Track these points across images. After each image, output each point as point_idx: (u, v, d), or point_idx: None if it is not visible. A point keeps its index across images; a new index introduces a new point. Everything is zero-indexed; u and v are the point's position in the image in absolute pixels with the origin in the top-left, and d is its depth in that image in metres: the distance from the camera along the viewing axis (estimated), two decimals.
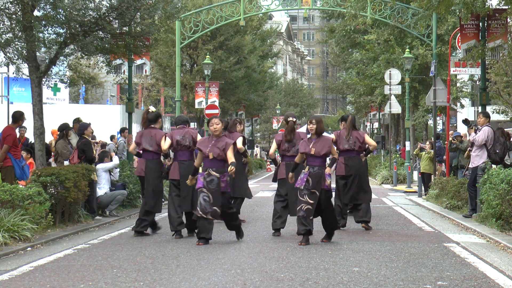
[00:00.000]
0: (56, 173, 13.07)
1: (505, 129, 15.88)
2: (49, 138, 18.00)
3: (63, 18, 14.83)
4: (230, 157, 10.97)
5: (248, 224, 14.10)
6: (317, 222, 12.12)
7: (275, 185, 13.05)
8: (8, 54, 14.86)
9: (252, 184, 28.21)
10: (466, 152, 18.33)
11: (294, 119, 12.28)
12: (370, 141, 13.40)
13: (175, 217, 12.18)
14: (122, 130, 22.10)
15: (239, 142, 13.66)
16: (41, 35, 15.03)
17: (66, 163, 15.20)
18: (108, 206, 15.50)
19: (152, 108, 12.84)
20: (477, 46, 17.14)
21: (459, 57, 21.25)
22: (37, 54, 15.42)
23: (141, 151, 12.45)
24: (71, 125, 16.09)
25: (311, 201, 11.07)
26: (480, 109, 18.40)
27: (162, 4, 16.40)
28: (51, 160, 16.34)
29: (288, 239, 11.57)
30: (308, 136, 11.50)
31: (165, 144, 12.22)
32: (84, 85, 43.76)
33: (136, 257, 10.01)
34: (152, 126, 12.49)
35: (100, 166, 15.47)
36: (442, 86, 21.91)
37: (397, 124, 44.09)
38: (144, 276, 8.52)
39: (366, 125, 60.52)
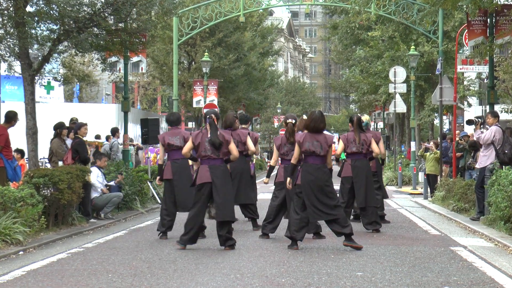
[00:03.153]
0: (49, 174, 13.07)
1: None
2: (42, 138, 17.91)
3: (57, 14, 14.84)
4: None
5: (248, 227, 14.10)
6: (326, 225, 12.14)
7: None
8: None
9: None
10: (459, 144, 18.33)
11: (294, 121, 12.24)
12: (374, 148, 13.32)
13: (167, 218, 12.30)
14: (114, 131, 22.07)
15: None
16: (33, 31, 15.03)
17: (60, 163, 15.20)
18: (103, 208, 15.49)
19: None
20: (485, 43, 17.14)
21: (466, 54, 21.25)
22: (30, 51, 15.42)
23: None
24: (67, 125, 16.13)
25: None
26: (488, 108, 18.40)
27: (159, 0, 16.41)
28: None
29: (289, 243, 11.56)
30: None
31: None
32: (78, 83, 43.73)
33: (132, 261, 10.01)
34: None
35: (93, 173, 15.39)
36: (448, 84, 21.91)
37: (402, 124, 44.10)
38: (140, 281, 8.51)
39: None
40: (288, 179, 11.18)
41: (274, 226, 12.41)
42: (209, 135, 10.93)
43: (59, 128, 15.62)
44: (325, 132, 11.52)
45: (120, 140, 22.06)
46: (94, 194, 15.31)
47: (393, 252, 10.86)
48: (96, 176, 15.41)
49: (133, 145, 23.88)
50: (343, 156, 13.76)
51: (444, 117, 41.84)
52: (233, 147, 11.03)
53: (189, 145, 11.11)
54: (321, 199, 10.87)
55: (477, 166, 15.30)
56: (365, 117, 14.52)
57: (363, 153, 13.32)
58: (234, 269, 9.22)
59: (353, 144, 13.27)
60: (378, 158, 14.26)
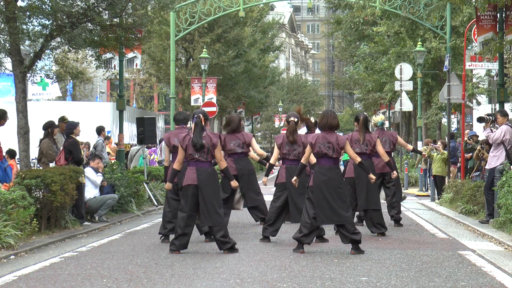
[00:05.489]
0: (42, 175, 13.07)
1: None
2: (34, 138, 17.93)
3: (49, 9, 14.85)
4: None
5: (248, 231, 14.12)
6: (329, 228, 12.16)
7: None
8: None
9: None
10: (476, 151, 18.31)
11: (296, 119, 12.27)
12: (380, 150, 13.37)
13: (169, 221, 12.28)
14: (100, 130, 22.05)
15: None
16: (25, 27, 15.03)
17: (52, 165, 15.18)
18: (98, 211, 15.50)
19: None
20: (494, 39, 17.13)
21: (475, 51, 21.26)
22: (21, 47, 15.43)
23: None
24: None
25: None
26: (497, 106, 18.40)
27: None
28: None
29: (291, 247, 11.58)
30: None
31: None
32: (71, 80, 43.74)
33: (127, 265, 10.02)
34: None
35: (88, 172, 15.39)
36: (456, 81, 21.91)
37: (408, 123, 44.11)
38: (136, 286, 8.52)
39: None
40: (295, 177, 11.28)
41: (275, 229, 12.43)
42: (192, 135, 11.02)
43: (49, 127, 15.42)
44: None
45: (114, 139, 22.05)
46: (88, 196, 15.31)
47: (399, 256, 10.87)
48: (93, 174, 15.40)
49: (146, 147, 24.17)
50: (346, 157, 13.81)
51: (452, 116, 41.85)
52: (218, 154, 11.11)
53: (180, 156, 11.15)
54: (332, 202, 10.95)
55: (487, 167, 15.31)
56: (380, 117, 14.59)
57: (367, 153, 13.35)
58: (234, 274, 9.23)
59: (356, 144, 13.31)
60: (392, 158, 14.65)
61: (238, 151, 13.33)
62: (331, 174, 11.04)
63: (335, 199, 10.98)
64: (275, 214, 12.34)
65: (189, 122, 12.82)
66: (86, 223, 14.89)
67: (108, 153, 22.41)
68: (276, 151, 12.47)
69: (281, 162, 12.61)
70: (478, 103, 36.31)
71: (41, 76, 17.04)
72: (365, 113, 14.29)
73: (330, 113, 11.27)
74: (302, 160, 11.31)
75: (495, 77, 31.69)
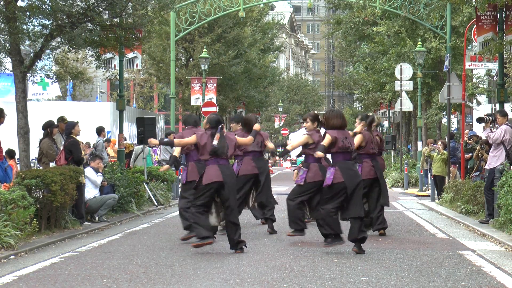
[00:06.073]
0: (42, 175, 13.07)
1: None
2: (34, 138, 17.95)
3: (49, 9, 14.85)
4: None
5: (248, 231, 14.12)
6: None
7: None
8: None
9: None
10: (476, 151, 18.33)
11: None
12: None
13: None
14: (100, 130, 22.06)
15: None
16: (25, 27, 15.03)
17: (52, 164, 15.18)
18: (98, 211, 15.50)
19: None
20: (494, 39, 17.13)
21: (475, 51, 21.25)
22: (21, 47, 15.42)
23: None
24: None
25: None
26: (497, 106, 18.39)
27: None
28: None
29: (291, 247, 11.59)
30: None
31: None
32: (71, 80, 43.73)
33: (127, 265, 10.02)
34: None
35: (88, 172, 15.40)
36: (456, 81, 21.91)
37: (408, 123, 44.11)
38: (136, 286, 8.53)
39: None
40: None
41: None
42: (215, 143, 11.04)
43: (49, 127, 15.38)
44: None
45: (116, 140, 22.04)
46: (88, 196, 15.31)
47: (399, 256, 10.88)
48: (93, 174, 15.40)
49: (150, 147, 24.18)
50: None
51: (452, 116, 41.84)
52: (242, 140, 11.68)
53: (191, 140, 11.33)
54: (353, 196, 11.00)
55: (487, 167, 15.31)
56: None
57: (376, 153, 13.46)
58: (234, 274, 9.23)
59: (373, 144, 13.27)
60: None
61: (257, 149, 13.58)
62: (356, 169, 11.44)
63: (355, 194, 11.05)
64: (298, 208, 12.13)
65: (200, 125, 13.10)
66: (86, 223, 14.89)
67: (108, 155, 22.39)
68: (299, 144, 12.28)
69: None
70: (478, 103, 36.32)
71: (41, 76, 17.04)
72: (367, 114, 14.35)
73: (341, 113, 11.42)
74: (322, 144, 11.09)
75: (495, 77, 31.71)
